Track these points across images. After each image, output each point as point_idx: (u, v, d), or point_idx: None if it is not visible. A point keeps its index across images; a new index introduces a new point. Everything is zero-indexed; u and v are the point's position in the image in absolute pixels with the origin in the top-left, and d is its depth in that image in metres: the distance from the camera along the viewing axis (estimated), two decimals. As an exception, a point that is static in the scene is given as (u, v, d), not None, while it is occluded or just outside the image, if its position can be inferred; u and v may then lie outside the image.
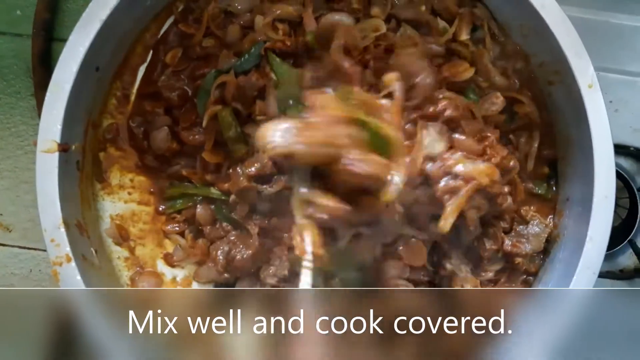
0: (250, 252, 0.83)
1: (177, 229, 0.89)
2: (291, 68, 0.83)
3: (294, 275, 0.80)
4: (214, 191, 0.86)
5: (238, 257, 0.84)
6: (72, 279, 0.73)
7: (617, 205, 0.98)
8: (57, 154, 0.74)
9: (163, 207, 0.89)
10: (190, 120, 0.85)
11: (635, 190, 1.01)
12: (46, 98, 0.74)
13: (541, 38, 0.78)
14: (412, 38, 0.80)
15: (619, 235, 1.01)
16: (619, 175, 1.01)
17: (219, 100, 0.83)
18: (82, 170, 0.81)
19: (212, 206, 0.87)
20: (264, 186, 0.80)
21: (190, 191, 0.88)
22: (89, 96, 0.81)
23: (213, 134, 0.84)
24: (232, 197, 0.83)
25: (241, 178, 0.80)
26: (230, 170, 0.83)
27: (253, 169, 0.79)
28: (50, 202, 0.74)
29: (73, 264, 0.73)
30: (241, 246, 0.84)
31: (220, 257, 0.84)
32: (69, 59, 0.75)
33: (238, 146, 0.83)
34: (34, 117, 1.01)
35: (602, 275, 0.99)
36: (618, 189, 0.92)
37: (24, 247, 1.02)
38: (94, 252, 0.81)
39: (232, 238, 0.85)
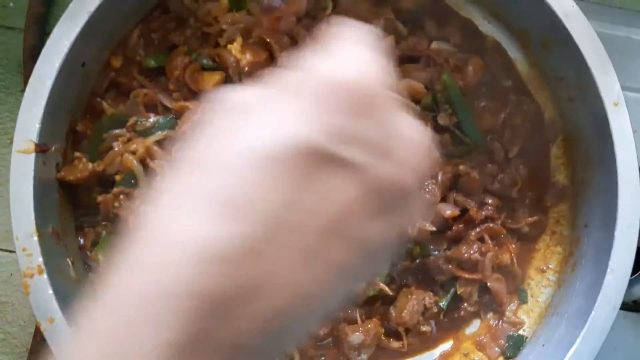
0: None
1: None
2: None
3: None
4: None
5: None
6: (43, 292, 0.68)
7: (633, 232, 0.93)
8: (34, 155, 0.69)
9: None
10: None
11: (654, 216, 0.95)
12: (25, 94, 0.69)
13: (563, 50, 0.74)
14: None
15: (634, 263, 0.95)
16: (636, 201, 0.95)
17: None
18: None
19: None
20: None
21: None
22: (73, 94, 0.76)
23: None
24: None
25: None
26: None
27: None
28: (24, 208, 0.68)
29: (45, 276, 0.68)
30: None
31: None
32: (52, 53, 0.70)
33: None
34: (23, 114, 0.97)
35: (615, 306, 0.94)
36: (636, 215, 0.87)
37: (5, 250, 0.98)
38: (70, 263, 0.75)
39: None
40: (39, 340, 0.91)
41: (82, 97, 0.78)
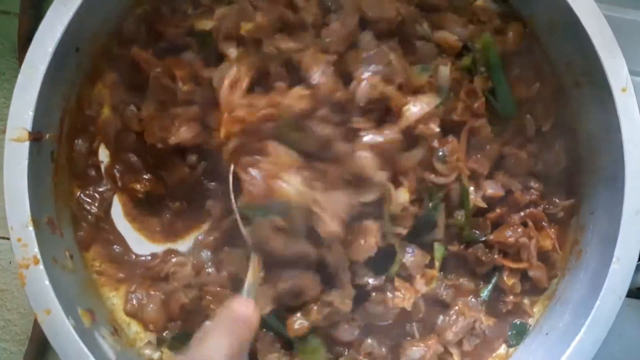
0: None
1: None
2: None
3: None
4: None
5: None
6: (39, 282, 0.67)
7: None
8: (27, 143, 0.67)
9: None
10: None
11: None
12: (18, 80, 0.68)
13: (570, 34, 0.71)
14: None
15: None
16: None
17: None
18: (57, 162, 0.74)
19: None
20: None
21: None
22: (67, 80, 0.74)
23: None
24: None
25: None
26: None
27: None
28: (18, 197, 0.67)
29: (41, 266, 0.67)
30: None
31: None
32: (45, 38, 0.68)
33: None
34: (19, 100, 0.95)
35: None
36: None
37: (3, 238, 0.96)
38: (67, 254, 0.74)
39: None
40: (39, 328, 0.91)
41: (77, 82, 0.76)
